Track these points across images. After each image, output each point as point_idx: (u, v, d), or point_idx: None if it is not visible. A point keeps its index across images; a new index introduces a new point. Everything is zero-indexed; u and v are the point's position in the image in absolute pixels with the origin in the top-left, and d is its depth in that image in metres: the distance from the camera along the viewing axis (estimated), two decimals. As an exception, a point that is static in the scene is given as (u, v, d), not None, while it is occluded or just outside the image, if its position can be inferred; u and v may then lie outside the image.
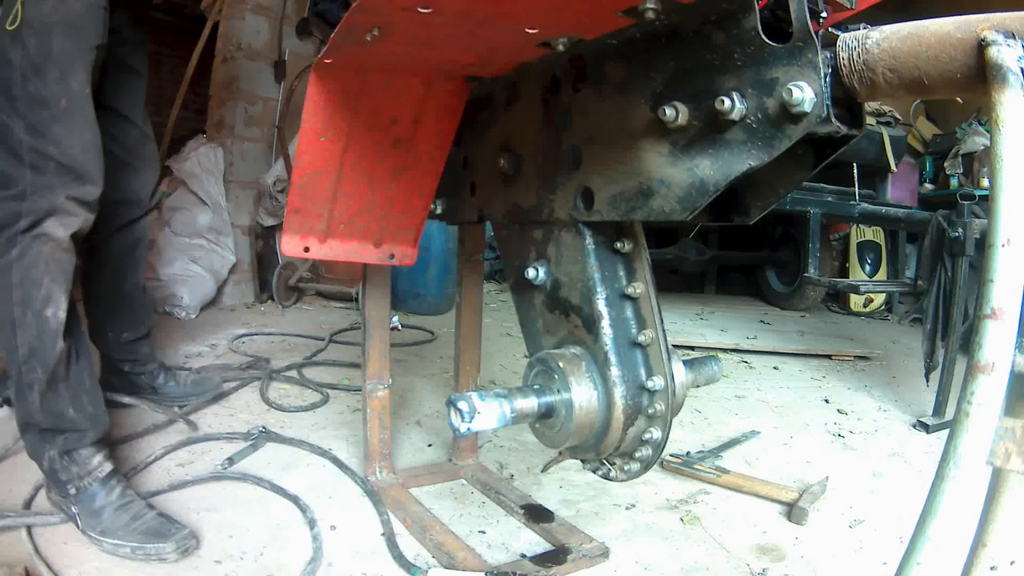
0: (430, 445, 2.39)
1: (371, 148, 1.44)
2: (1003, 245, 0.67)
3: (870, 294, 5.55)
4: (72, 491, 1.70)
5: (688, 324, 4.70)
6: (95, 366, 1.92)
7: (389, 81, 1.36)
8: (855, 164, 4.83)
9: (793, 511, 1.94)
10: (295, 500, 1.88)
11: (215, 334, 3.83)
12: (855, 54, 0.79)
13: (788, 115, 0.81)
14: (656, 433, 1.15)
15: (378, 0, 0.94)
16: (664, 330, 1.16)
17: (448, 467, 2.14)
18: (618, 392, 1.15)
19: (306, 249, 1.57)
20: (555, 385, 1.19)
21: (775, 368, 3.84)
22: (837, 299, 6.06)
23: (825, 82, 0.79)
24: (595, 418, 1.17)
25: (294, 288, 4.93)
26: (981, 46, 0.71)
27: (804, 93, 0.78)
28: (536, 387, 1.20)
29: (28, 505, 1.77)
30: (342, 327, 4.17)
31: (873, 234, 5.73)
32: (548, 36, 1.08)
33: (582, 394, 1.17)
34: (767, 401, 3.17)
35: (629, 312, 1.19)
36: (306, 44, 4.88)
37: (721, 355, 3.93)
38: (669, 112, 0.93)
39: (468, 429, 1.11)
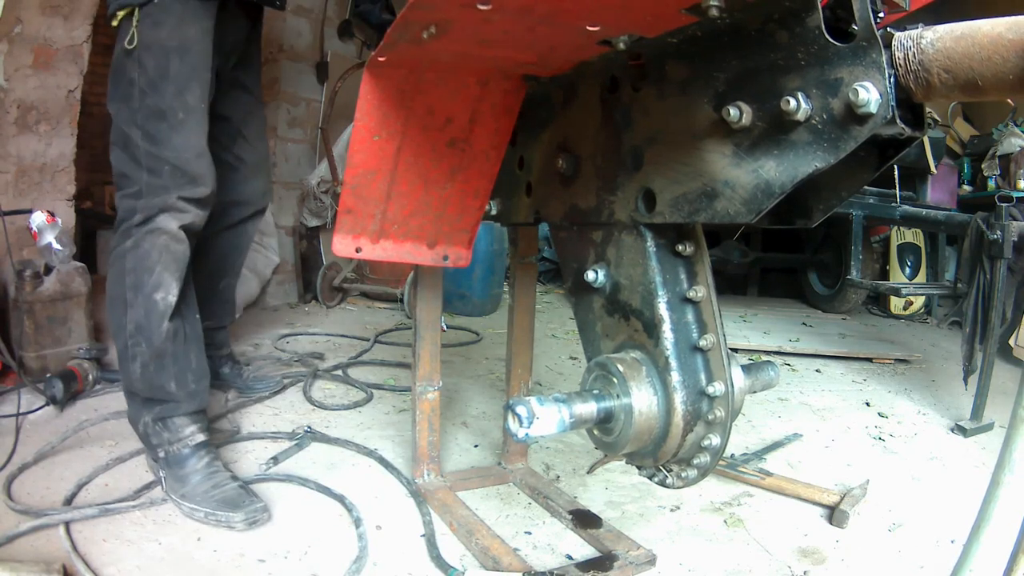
0: (476, 446, 2.47)
1: (426, 148, 1.49)
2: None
3: (910, 297, 5.63)
4: (162, 454, 1.94)
5: (732, 326, 4.85)
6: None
7: (445, 79, 1.40)
8: (896, 166, 4.91)
9: (834, 514, 2.03)
10: (340, 499, 1.97)
11: (259, 334, 3.98)
12: (910, 54, 0.81)
13: (854, 116, 0.83)
14: (715, 439, 1.17)
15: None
16: (724, 335, 1.19)
17: (497, 471, 2.20)
18: (678, 397, 1.17)
19: (358, 250, 1.62)
20: (614, 390, 1.21)
21: (817, 371, 3.98)
22: (877, 301, 6.16)
23: (890, 82, 0.81)
24: (655, 424, 1.20)
25: (338, 288, 5.05)
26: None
27: (870, 94, 0.81)
28: (595, 392, 1.23)
29: (69, 502, 1.85)
30: (387, 327, 4.30)
31: (913, 236, 5.80)
32: (609, 34, 1.11)
33: (642, 399, 1.19)
34: (809, 404, 3.27)
35: (690, 316, 1.21)
36: (348, 45, 5.02)
37: (764, 358, 4.01)
38: (733, 112, 0.97)
39: (527, 435, 1.14)
